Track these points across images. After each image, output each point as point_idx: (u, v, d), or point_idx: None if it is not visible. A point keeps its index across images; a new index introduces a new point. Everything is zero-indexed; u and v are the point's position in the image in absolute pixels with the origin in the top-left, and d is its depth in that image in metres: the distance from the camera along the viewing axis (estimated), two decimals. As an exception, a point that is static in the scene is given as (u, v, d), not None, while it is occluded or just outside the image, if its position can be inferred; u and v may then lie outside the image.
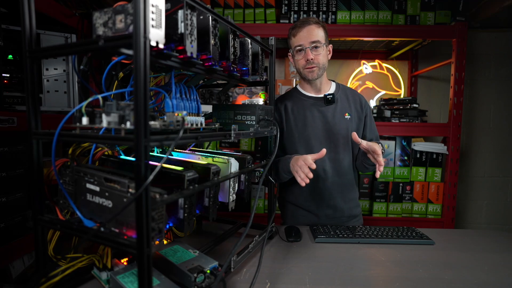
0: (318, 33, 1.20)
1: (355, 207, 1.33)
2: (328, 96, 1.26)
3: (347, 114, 1.28)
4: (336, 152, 1.27)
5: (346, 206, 1.30)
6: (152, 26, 0.50)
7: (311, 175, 1.01)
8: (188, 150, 1.01)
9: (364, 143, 1.08)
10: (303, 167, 1.03)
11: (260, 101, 1.95)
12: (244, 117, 0.94)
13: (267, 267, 0.87)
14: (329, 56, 1.28)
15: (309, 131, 1.26)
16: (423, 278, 0.82)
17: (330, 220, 1.29)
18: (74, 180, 0.65)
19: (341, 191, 1.28)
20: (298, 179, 1.04)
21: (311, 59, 1.20)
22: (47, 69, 1.44)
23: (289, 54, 1.30)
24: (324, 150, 1.04)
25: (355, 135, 1.09)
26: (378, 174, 1.05)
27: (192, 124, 0.69)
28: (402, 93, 2.45)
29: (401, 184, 2.10)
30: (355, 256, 0.95)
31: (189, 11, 0.59)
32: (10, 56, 1.28)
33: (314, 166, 1.02)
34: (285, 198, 1.37)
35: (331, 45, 1.28)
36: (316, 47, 1.20)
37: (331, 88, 1.33)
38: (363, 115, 1.31)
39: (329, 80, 1.36)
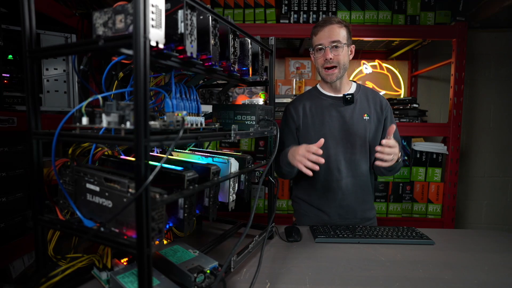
0: (339, 33, 1.19)
1: (369, 210, 1.32)
2: (347, 96, 1.25)
3: (366, 115, 1.26)
4: (353, 153, 1.25)
5: (359, 208, 1.28)
6: (152, 26, 0.50)
7: (322, 160, 0.98)
8: (188, 150, 1.01)
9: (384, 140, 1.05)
10: (308, 155, 1.00)
11: (260, 101, 1.95)
12: (244, 117, 0.94)
13: (267, 267, 0.87)
14: (351, 57, 1.27)
15: (326, 130, 1.25)
16: (423, 278, 0.82)
17: (343, 220, 1.28)
18: (74, 180, 0.65)
19: (355, 192, 1.27)
20: (303, 169, 1.02)
21: (330, 58, 1.20)
22: (47, 69, 1.44)
23: (311, 52, 1.29)
24: (322, 140, 1.02)
25: (391, 128, 1.06)
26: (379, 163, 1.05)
27: (192, 124, 0.69)
28: (402, 93, 2.45)
29: (401, 184, 2.10)
30: (355, 256, 0.95)
31: (189, 11, 0.59)
32: (10, 56, 1.28)
33: (320, 151, 0.99)
34: (299, 196, 1.37)
35: (353, 45, 1.27)
36: (336, 46, 1.19)
37: (351, 89, 1.32)
38: (383, 117, 1.28)
39: (350, 80, 1.35)
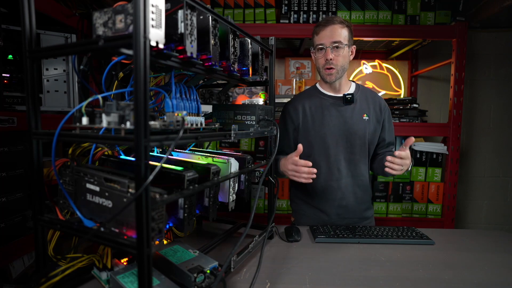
0: (341, 33, 1.18)
1: (367, 209, 1.32)
2: (347, 96, 1.25)
3: (365, 115, 1.27)
4: (352, 152, 1.26)
5: (358, 208, 1.29)
6: (152, 26, 0.50)
7: (314, 171, 1.05)
8: (188, 150, 1.01)
9: (397, 153, 1.05)
10: (298, 168, 1.07)
11: (260, 101, 1.95)
12: (244, 117, 0.94)
13: (267, 267, 0.87)
14: (351, 57, 1.26)
15: (326, 130, 1.25)
16: (423, 278, 0.82)
17: (341, 220, 1.28)
18: (74, 180, 0.65)
19: (354, 191, 1.27)
20: (303, 181, 1.08)
21: (330, 59, 1.19)
22: (47, 69, 1.44)
23: (312, 52, 1.29)
24: (300, 146, 1.07)
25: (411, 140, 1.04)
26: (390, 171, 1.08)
27: (192, 124, 0.69)
28: (402, 93, 2.45)
29: (401, 184, 2.10)
30: (355, 256, 0.95)
31: (189, 11, 0.59)
32: (10, 56, 1.28)
33: (310, 163, 1.05)
34: (297, 195, 1.37)
35: (354, 46, 1.27)
36: (337, 47, 1.19)
37: (351, 89, 1.32)
38: (382, 117, 1.29)
39: (349, 80, 1.35)
